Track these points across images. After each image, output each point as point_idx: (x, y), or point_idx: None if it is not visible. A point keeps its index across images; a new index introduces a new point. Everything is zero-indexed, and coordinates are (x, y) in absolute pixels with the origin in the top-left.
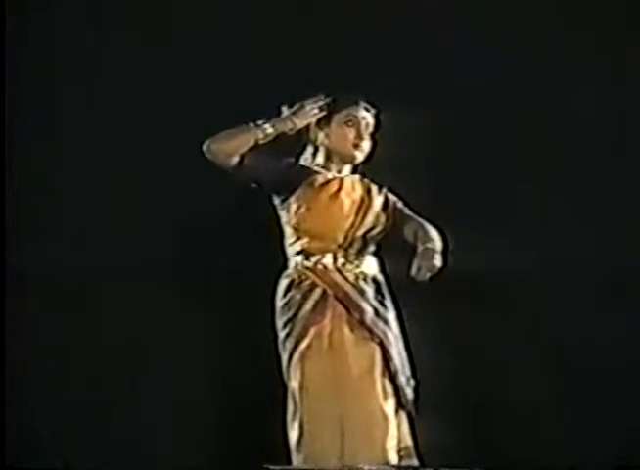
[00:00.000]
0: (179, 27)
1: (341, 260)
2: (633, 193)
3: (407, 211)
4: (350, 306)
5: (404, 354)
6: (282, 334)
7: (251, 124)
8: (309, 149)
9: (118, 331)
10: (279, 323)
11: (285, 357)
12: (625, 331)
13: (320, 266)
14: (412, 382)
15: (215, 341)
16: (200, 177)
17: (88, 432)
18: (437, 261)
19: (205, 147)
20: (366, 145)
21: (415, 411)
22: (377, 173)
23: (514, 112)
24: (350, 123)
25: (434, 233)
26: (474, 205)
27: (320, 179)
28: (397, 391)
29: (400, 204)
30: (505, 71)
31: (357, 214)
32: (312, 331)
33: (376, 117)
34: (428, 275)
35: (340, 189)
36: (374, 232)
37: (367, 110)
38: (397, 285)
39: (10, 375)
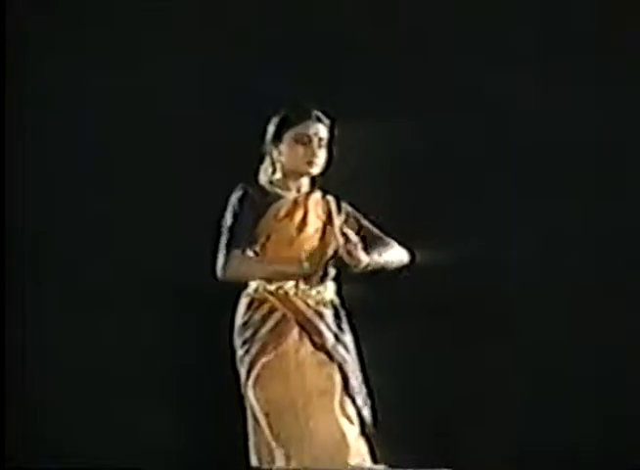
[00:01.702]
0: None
1: (302, 287)
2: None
3: (375, 231)
4: (311, 332)
5: (360, 377)
6: (240, 352)
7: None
8: (268, 160)
9: (119, 331)
10: (237, 341)
11: (243, 374)
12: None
13: (281, 291)
14: (368, 402)
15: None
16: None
17: (88, 432)
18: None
19: (222, 272)
20: (321, 158)
21: (374, 432)
22: (335, 184)
23: (478, 120)
24: (302, 141)
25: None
26: (432, 219)
27: (283, 210)
28: (358, 412)
29: (365, 222)
30: (471, 79)
31: (322, 242)
32: (271, 351)
33: (330, 127)
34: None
35: (304, 218)
36: (337, 256)
37: (320, 121)
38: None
39: (10, 375)
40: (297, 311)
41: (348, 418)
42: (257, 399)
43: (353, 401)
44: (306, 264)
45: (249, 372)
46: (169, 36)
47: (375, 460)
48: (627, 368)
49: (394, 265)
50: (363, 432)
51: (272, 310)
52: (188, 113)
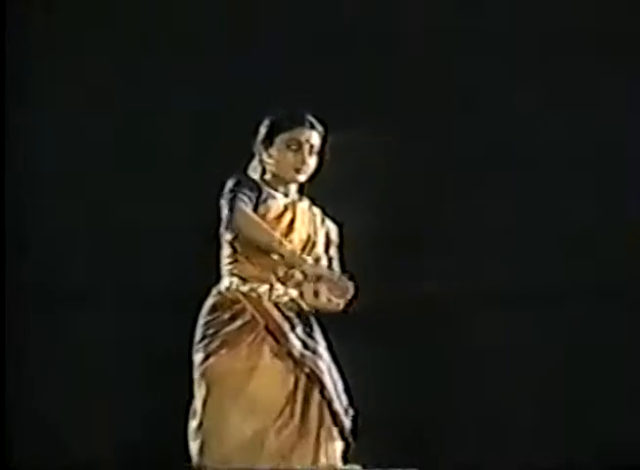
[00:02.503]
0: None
1: (276, 292)
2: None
3: (332, 253)
4: (280, 338)
5: (340, 385)
6: (197, 345)
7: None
8: (257, 161)
9: (119, 331)
10: (197, 334)
11: (196, 362)
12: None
13: (254, 294)
14: (350, 411)
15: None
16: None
17: (88, 432)
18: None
19: (228, 215)
20: (310, 166)
21: (353, 439)
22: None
23: (456, 137)
24: (293, 147)
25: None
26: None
27: (272, 212)
28: (335, 418)
29: (333, 250)
30: (459, 94)
31: (304, 250)
32: (230, 349)
33: (323, 134)
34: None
35: (291, 224)
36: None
37: (313, 127)
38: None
39: (10, 375)
40: (267, 315)
41: (325, 423)
42: (199, 386)
43: (331, 407)
44: (286, 248)
45: (201, 363)
46: (168, 42)
47: (346, 462)
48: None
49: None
50: (342, 436)
51: (241, 311)
52: (185, 116)
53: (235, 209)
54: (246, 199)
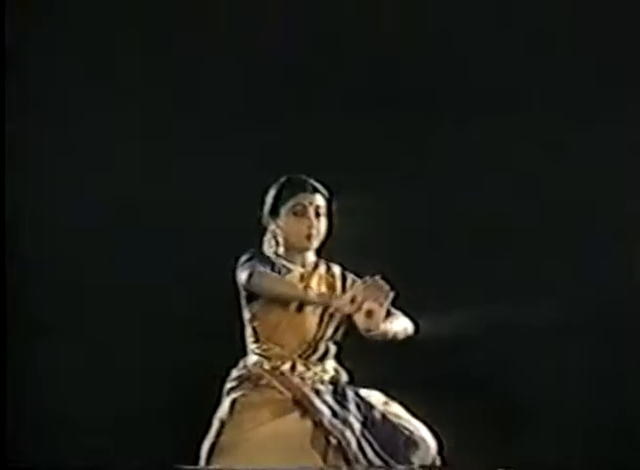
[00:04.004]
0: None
1: (300, 369)
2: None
3: None
4: (308, 407)
5: (377, 447)
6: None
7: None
8: (269, 234)
9: (118, 331)
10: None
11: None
12: None
13: (278, 372)
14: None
15: None
16: None
17: (88, 432)
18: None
19: (247, 277)
20: (320, 229)
21: None
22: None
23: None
24: (299, 213)
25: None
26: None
27: None
28: None
29: None
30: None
31: (320, 323)
32: (251, 415)
33: (328, 196)
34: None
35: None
36: (338, 334)
37: (316, 191)
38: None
39: (10, 375)
40: (293, 387)
41: None
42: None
43: None
44: (312, 294)
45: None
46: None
47: None
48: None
49: (401, 335)
50: None
51: (267, 386)
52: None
53: (254, 272)
54: (263, 265)
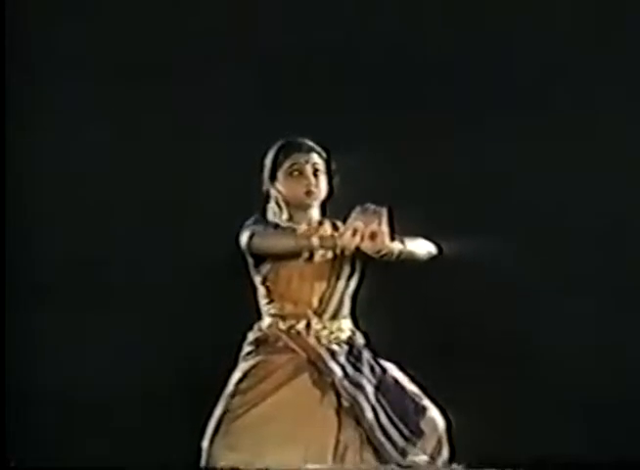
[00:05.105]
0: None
1: (315, 327)
2: None
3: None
4: (322, 367)
5: (390, 413)
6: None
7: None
8: (272, 201)
9: (118, 331)
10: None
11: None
12: None
13: (293, 331)
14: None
15: None
16: None
17: (88, 432)
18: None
19: (248, 240)
20: (319, 185)
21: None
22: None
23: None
24: (296, 173)
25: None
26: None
27: None
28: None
29: None
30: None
31: (330, 277)
32: (267, 376)
33: (327, 157)
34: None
35: (313, 253)
36: (351, 286)
37: (312, 150)
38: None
39: (10, 375)
40: (308, 348)
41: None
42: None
43: (371, 439)
44: (315, 240)
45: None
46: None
47: None
48: None
49: (423, 256)
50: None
51: (283, 348)
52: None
53: (255, 233)
54: (264, 227)
